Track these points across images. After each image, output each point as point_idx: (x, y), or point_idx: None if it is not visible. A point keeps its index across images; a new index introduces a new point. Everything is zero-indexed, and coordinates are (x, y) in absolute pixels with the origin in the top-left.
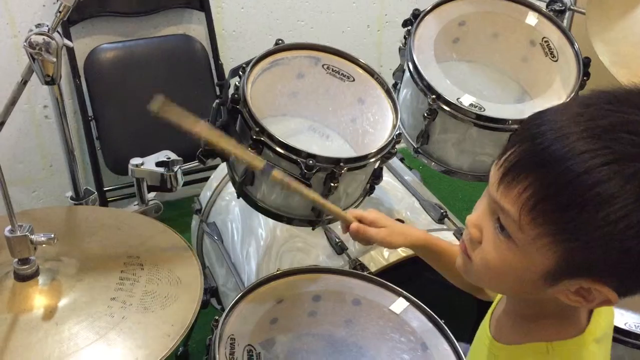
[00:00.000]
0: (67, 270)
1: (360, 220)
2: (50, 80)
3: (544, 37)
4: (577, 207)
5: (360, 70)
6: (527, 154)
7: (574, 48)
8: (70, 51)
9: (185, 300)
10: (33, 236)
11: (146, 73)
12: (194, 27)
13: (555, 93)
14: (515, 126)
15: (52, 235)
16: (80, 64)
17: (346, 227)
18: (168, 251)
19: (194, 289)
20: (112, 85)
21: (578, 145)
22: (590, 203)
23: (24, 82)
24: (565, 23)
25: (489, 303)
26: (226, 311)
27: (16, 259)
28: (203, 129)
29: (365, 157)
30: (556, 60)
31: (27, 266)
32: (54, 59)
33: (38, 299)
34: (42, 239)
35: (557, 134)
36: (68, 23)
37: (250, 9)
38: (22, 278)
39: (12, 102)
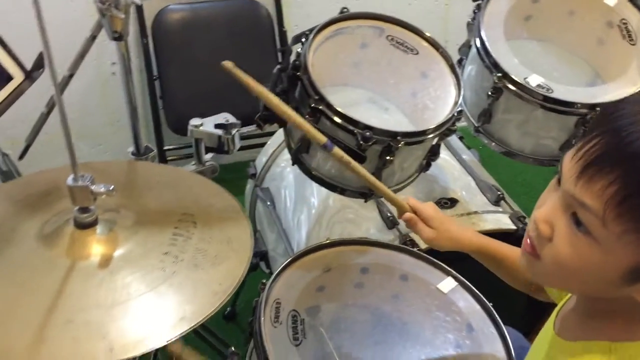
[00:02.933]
0: (124, 222)
1: (415, 212)
2: (118, 37)
3: (622, 19)
4: None
5: (425, 44)
6: (612, 146)
7: None
8: (140, 10)
9: (234, 261)
10: (93, 187)
11: (211, 35)
12: None
13: (630, 79)
14: (584, 110)
15: (112, 187)
16: (148, 23)
17: (400, 214)
18: (221, 212)
19: (244, 251)
20: (178, 45)
21: None
22: None
23: (93, 37)
24: None
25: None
26: (274, 275)
27: (77, 207)
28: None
29: (423, 133)
30: (634, 44)
31: (86, 214)
32: (122, 15)
33: (95, 247)
34: (102, 190)
35: None
36: None
37: None
38: (81, 226)
39: (81, 55)
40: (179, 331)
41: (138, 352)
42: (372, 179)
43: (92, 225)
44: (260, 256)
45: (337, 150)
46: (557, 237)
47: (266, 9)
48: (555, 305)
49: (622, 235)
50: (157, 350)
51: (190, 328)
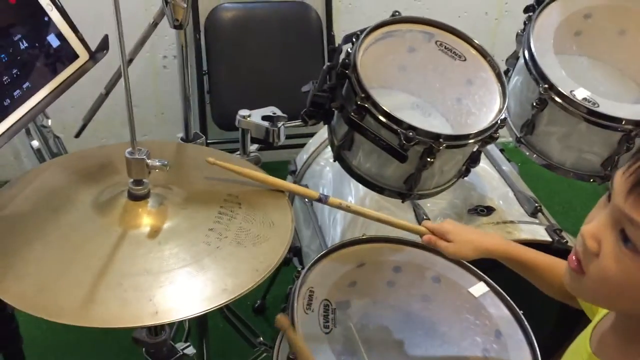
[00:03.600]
0: (174, 198)
1: (433, 233)
2: (179, 25)
3: None
4: None
5: (473, 51)
6: None
7: None
8: (194, 6)
9: (275, 243)
10: (149, 161)
11: (262, 35)
12: None
13: None
14: (629, 127)
15: (166, 162)
16: (202, 20)
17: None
18: (265, 196)
19: (285, 234)
20: (228, 43)
21: None
22: None
23: (155, 24)
24: None
25: (574, 310)
26: (309, 265)
27: (132, 180)
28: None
29: (466, 137)
30: None
31: (140, 187)
32: (184, 5)
33: (146, 218)
34: (157, 164)
35: None
36: None
37: None
38: (134, 197)
39: (142, 42)
40: (221, 301)
41: (181, 316)
42: (383, 216)
43: (144, 197)
44: (294, 252)
45: (332, 199)
46: (604, 252)
47: (316, 12)
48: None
49: None
50: (190, 325)
51: (231, 299)
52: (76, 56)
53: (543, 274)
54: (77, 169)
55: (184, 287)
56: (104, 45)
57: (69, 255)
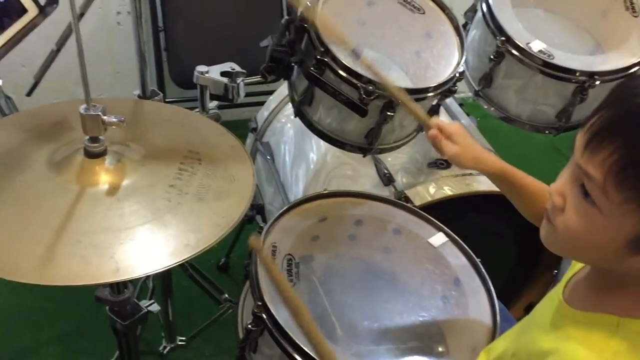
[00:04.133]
0: (133, 155)
1: (440, 130)
2: None
3: None
4: None
5: (432, 4)
6: (614, 118)
7: None
8: None
9: (237, 198)
10: (105, 117)
11: None
12: None
13: (630, 50)
14: (583, 78)
15: (123, 118)
16: None
17: (425, 131)
18: (225, 151)
19: (246, 189)
20: None
21: None
22: None
23: None
24: None
25: (531, 258)
26: (271, 221)
27: (88, 137)
28: None
29: (425, 90)
30: (637, 16)
31: (97, 144)
32: None
33: (104, 176)
34: (113, 120)
35: None
36: None
37: None
38: (91, 155)
39: None
40: (183, 257)
41: (143, 273)
42: (400, 92)
43: (101, 155)
44: (257, 209)
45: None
46: (568, 207)
47: None
48: (545, 270)
49: (622, 204)
50: (154, 284)
51: (193, 255)
52: (24, 10)
53: (529, 195)
54: (30, 127)
55: (145, 243)
56: None
57: (25, 215)
